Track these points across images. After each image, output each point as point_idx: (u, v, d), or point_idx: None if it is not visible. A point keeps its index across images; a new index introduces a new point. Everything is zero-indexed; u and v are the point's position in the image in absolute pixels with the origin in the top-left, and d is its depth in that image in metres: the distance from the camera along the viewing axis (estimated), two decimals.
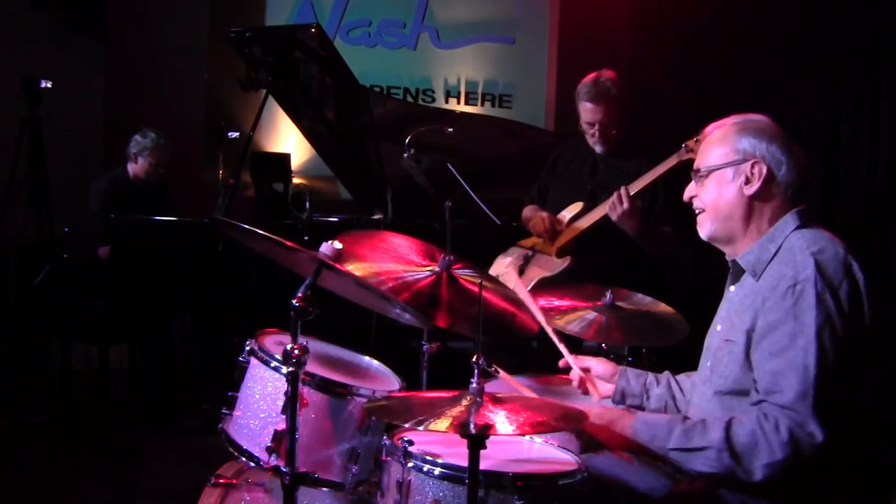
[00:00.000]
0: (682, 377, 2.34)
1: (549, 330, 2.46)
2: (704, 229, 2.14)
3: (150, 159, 5.12)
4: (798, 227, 2.01)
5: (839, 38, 4.74)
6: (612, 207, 3.38)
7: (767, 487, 1.92)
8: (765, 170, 2.02)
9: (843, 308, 1.87)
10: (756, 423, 1.86)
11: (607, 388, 2.37)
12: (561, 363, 2.34)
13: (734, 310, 2.08)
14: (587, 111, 3.61)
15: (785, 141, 2.06)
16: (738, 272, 2.12)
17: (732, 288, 2.15)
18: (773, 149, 2.04)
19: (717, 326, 2.16)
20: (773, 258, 2.00)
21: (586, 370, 2.36)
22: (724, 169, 2.07)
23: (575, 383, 2.34)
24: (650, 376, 2.36)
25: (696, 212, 2.16)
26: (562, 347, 2.26)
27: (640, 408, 2.34)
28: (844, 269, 1.91)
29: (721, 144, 2.10)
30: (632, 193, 3.37)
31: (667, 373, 2.37)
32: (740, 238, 2.09)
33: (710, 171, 2.10)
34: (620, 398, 2.36)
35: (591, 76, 3.63)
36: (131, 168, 5.16)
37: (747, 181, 2.04)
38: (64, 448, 4.28)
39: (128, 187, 5.14)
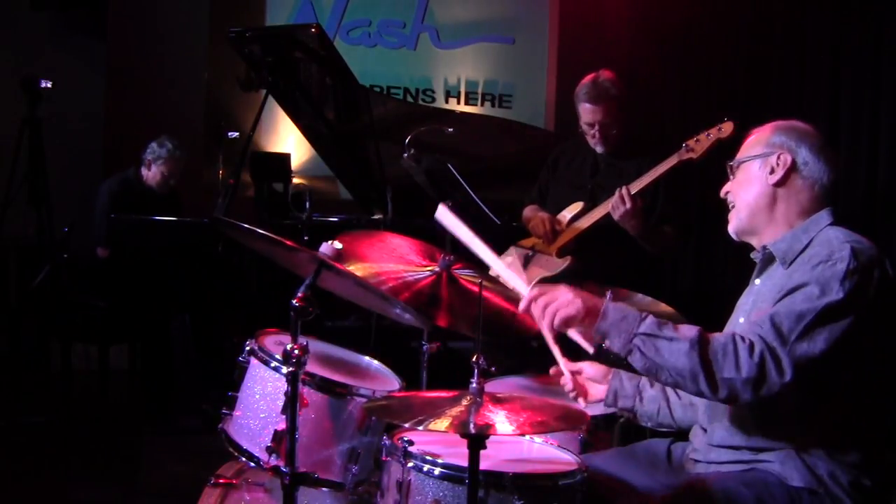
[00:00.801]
0: None
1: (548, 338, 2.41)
2: (731, 224, 2.18)
3: (162, 168, 5.12)
4: (832, 224, 2.04)
5: (839, 38, 4.75)
6: (614, 207, 3.38)
7: (776, 483, 1.92)
8: (789, 159, 2.07)
9: (868, 292, 1.88)
10: (730, 338, 1.86)
11: (599, 389, 2.36)
12: (552, 371, 2.32)
13: (762, 299, 2.08)
14: (587, 112, 3.61)
15: (818, 142, 2.11)
16: (766, 263, 2.13)
17: (758, 281, 2.16)
18: (802, 146, 2.09)
19: (740, 319, 2.16)
20: (805, 248, 2.02)
21: (578, 373, 2.36)
22: (752, 161, 2.13)
23: (567, 388, 2.32)
24: (643, 378, 2.33)
25: (730, 207, 2.20)
26: (555, 351, 2.25)
27: (633, 410, 2.33)
28: (879, 260, 1.93)
29: (756, 140, 2.17)
30: (633, 192, 3.37)
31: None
32: (765, 229, 2.12)
33: (740, 164, 2.16)
34: (613, 400, 2.33)
35: (589, 77, 3.63)
36: (143, 173, 5.16)
37: (772, 171, 2.09)
38: (64, 448, 4.29)
39: (138, 189, 5.15)
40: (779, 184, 2.08)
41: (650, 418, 2.32)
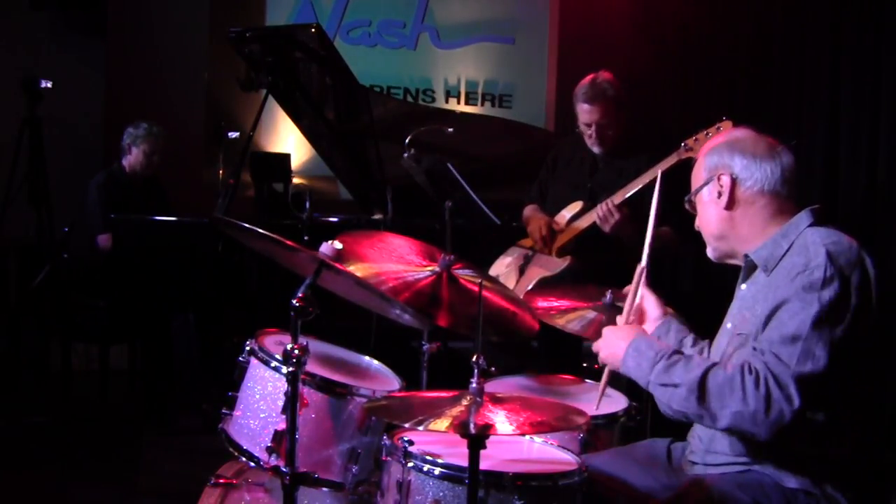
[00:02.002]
0: (713, 350, 2.29)
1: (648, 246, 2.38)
2: (709, 253, 2.20)
3: (143, 147, 5.16)
4: (812, 225, 2.02)
5: (839, 38, 4.74)
6: (603, 220, 3.39)
7: (772, 485, 1.92)
8: (727, 179, 2.07)
9: (849, 295, 1.86)
10: (738, 371, 1.86)
11: (650, 327, 2.34)
12: (625, 290, 2.36)
13: (745, 306, 2.08)
14: (584, 112, 3.62)
15: (751, 144, 2.09)
16: (749, 269, 2.12)
17: (743, 286, 2.15)
18: (735, 156, 2.08)
19: (728, 324, 2.16)
20: (785, 253, 2.00)
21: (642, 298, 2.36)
22: (700, 191, 2.15)
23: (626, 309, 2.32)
24: (690, 336, 2.33)
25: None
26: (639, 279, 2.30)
27: None
28: (857, 260, 1.91)
29: (698, 170, 2.18)
30: (617, 203, 3.38)
31: (706, 341, 2.35)
32: (741, 248, 2.11)
33: (692, 199, 2.18)
34: None
35: (587, 78, 3.65)
36: (126, 161, 5.21)
37: (719, 195, 2.09)
38: (64, 448, 4.28)
39: (124, 181, 5.19)
40: (729, 206, 2.08)
41: None
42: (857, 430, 1.95)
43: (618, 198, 3.40)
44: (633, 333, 2.07)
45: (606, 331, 2.15)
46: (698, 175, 2.17)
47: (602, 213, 3.39)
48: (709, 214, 2.13)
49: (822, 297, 1.85)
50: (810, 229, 2.00)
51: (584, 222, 3.61)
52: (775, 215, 2.06)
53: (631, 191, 3.42)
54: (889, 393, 1.99)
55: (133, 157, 5.19)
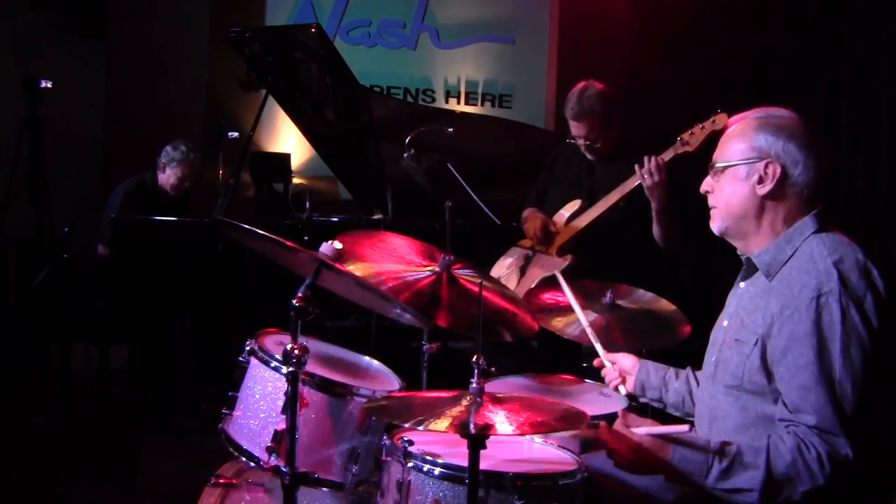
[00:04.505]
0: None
1: (587, 327, 2.43)
2: (716, 224, 2.10)
3: (177, 171, 5.10)
4: (816, 231, 1.98)
5: (839, 38, 4.75)
6: (647, 175, 3.27)
7: None
8: (779, 171, 1.98)
9: (868, 320, 1.85)
10: (797, 454, 1.85)
11: (629, 381, 2.40)
12: (596, 362, 2.35)
13: (743, 308, 2.06)
14: (572, 126, 3.63)
15: (805, 138, 2.01)
16: (751, 269, 2.10)
17: (742, 284, 2.13)
18: (791, 147, 1.99)
19: (724, 322, 2.15)
20: (788, 259, 1.98)
21: (613, 363, 2.37)
22: (738, 166, 2.02)
23: (610, 377, 2.33)
24: (670, 370, 2.37)
25: (710, 206, 2.12)
26: (598, 345, 2.29)
27: (660, 400, 2.36)
28: (866, 277, 1.89)
29: (739, 139, 2.04)
30: (667, 160, 3.28)
31: (688, 368, 2.37)
32: (752, 235, 2.05)
33: (725, 167, 2.05)
34: (641, 390, 2.38)
35: (576, 89, 3.59)
36: (159, 177, 5.15)
37: (760, 181, 2.00)
38: (64, 448, 4.28)
39: (154, 194, 5.13)
40: (768, 195, 2.00)
41: (676, 408, 2.36)
42: (862, 427, 1.94)
43: (666, 155, 3.31)
44: (669, 446, 1.96)
45: (635, 449, 1.99)
46: (737, 146, 2.03)
47: (647, 168, 3.28)
48: (736, 192, 2.02)
49: (843, 333, 1.84)
50: (814, 238, 1.97)
51: (583, 221, 3.61)
52: (793, 217, 2.01)
53: (671, 155, 3.34)
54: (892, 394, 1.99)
55: (165, 178, 5.12)
